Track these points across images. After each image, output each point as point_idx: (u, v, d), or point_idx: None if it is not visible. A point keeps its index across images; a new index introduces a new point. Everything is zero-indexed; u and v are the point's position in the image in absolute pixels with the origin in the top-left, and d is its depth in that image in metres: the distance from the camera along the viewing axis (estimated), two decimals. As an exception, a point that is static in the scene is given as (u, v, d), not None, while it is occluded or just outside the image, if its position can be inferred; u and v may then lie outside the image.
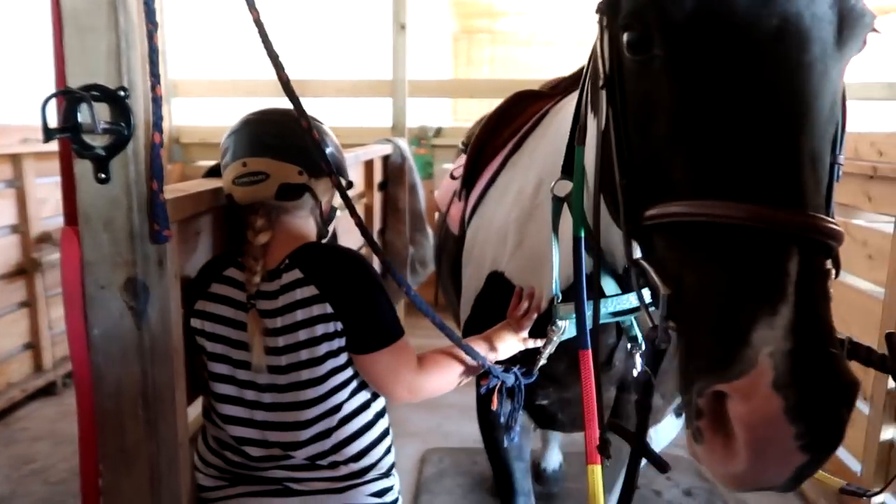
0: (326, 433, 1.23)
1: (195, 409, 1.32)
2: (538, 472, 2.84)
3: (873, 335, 2.22)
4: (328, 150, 1.28)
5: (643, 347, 1.20)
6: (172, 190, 1.17)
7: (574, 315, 1.12)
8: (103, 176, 0.97)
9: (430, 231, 3.47)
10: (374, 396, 1.31)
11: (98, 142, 0.96)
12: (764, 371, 0.61)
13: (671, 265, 0.74)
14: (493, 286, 1.43)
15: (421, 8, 4.16)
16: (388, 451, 1.34)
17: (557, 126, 1.38)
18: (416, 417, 3.14)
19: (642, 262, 0.80)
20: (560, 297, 1.21)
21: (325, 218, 1.36)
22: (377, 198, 3.18)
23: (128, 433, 1.06)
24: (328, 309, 1.18)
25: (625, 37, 0.80)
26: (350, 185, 1.37)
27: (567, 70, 2.31)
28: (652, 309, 0.78)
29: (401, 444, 2.36)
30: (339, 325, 1.19)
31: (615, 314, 1.17)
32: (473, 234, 1.61)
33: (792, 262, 0.65)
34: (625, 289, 1.16)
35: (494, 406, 1.24)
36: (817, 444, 0.61)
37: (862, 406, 2.46)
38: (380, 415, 1.32)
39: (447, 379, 1.27)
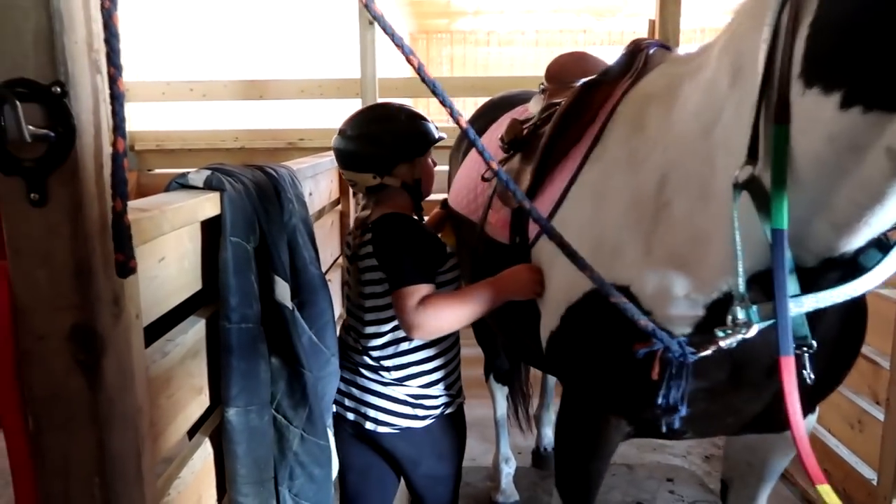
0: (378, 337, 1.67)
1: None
2: (539, 456, 2.88)
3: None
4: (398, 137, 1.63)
5: (814, 347, 1.11)
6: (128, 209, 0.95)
7: (755, 314, 1.07)
8: (37, 196, 0.76)
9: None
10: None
11: (28, 153, 0.74)
12: None
13: None
14: (600, 303, 1.27)
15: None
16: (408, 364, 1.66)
17: (665, 115, 1.27)
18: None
19: None
20: (746, 295, 1.07)
21: (412, 186, 1.67)
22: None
23: (81, 518, 0.84)
24: (376, 262, 1.59)
25: None
26: (439, 139, 1.69)
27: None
28: None
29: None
30: (381, 275, 1.60)
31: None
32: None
33: None
34: (807, 287, 1.07)
35: (655, 375, 1.15)
36: None
37: (876, 412, 2.35)
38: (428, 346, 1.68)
39: (447, 318, 1.52)
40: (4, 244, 0.79)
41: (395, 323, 1.63)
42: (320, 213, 2.48)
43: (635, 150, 1.32)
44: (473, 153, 2.11)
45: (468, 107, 2.63)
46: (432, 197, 1.85)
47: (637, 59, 1.51)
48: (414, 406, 1.66)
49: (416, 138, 1.65)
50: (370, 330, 1.67)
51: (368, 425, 1.66)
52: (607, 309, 1.21)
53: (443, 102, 1.01)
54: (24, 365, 0.80)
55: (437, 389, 1.70)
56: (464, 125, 1.02)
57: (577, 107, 1.53)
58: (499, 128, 2.01)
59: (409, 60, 0.93)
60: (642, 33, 4.02)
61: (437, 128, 1.69)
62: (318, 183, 2.30)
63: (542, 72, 2.03)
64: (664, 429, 1.28)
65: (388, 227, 1.60)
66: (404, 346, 1.66)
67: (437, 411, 1.70)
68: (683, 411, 1.17)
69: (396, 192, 1.66)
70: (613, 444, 1.45)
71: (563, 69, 1.89)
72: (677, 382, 1.15)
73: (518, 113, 1.99)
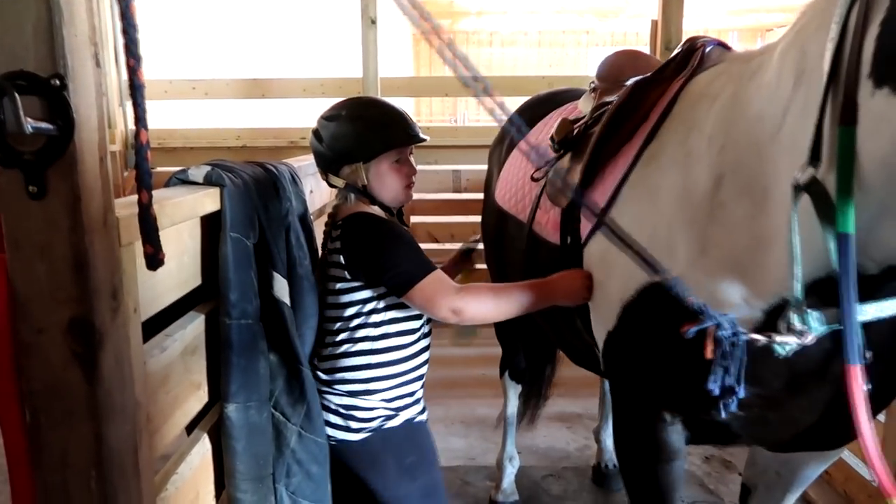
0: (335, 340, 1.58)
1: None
2: (601, 473, 2.78)
3: None
4: (325, 145, 1.58)
5: (869, 359, 1.05)
6: (127, 204, 0.95)
7: (812, 321, 1.03)
8: (36, 189, 0.76)
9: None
10: (381, 337, 1.57)
11: (27, 146, 0.74)
12: None
13: None
14: (653, 298, 1.26)
15: (379, 8, 3.94)
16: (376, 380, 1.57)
17: (723, 114, 1.24)
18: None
19: None
20: (803, 301, 1.04)
21: (360, 191, 1.59)
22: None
23: (78, 512, 0.84)
24: (342, 260, 1.53)
25: None
26: (416, 139, 1.59)
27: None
28: None
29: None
30: (347, 274, 1.53)
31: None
32: (606, 239, 1.42)
33: None
34: (867, 295, 1.01)
35: (709, 354, 1.10)
36: None
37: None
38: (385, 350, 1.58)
39: (488, 306, 1.46)
40: (3, 237, 0.79)
41: (351, 323, 1.56)
42: (321, 211, 2.48)
43: (690, 149, 1.29)
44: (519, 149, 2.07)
45: (471, 107, 2.63)
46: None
47: (692, 57, 1.47)
48: (345, 417, 1.57)
49: (353, 143, 1.55)
50: (330, 326, 1.59)
51: None
52: (662, 302, 1.19)
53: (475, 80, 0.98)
54: (23, 358, 0.80)
55: (371, 401, 1.57)
56: (490, 94, 0.98)
57: (629, 105, 1.49)
58: (546, 125, 1.99)
59: (437, 36, 0.91)
60: (645, 34, 4.02)
61: (412, 133, 1.58)
62: (319, 180, 2.30)
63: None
64: (723, 415, 1.19)
65: (359, 231, 1.54)
66: (335, 348, 1.57)
67: (373, 424, 1.58)
68: (742, 393, 1.12)
69: (351, 195, 1.60)
70: (674, 444, 1.39)
71: (615, 68, 1.85)
72: (730, 362, 1.11)
73: (567, 111, 1.97)
